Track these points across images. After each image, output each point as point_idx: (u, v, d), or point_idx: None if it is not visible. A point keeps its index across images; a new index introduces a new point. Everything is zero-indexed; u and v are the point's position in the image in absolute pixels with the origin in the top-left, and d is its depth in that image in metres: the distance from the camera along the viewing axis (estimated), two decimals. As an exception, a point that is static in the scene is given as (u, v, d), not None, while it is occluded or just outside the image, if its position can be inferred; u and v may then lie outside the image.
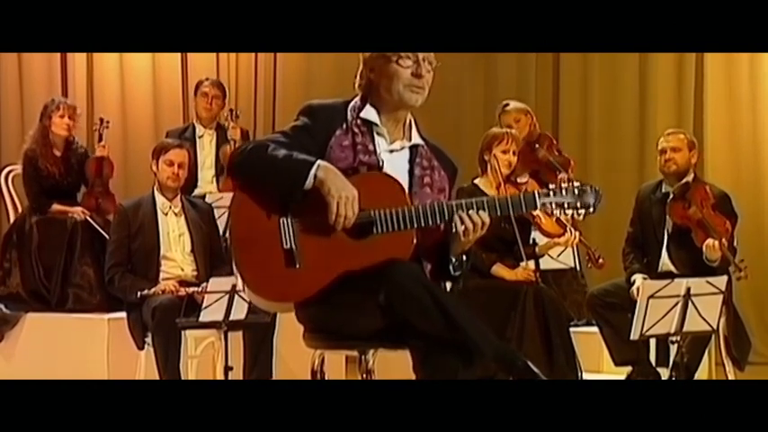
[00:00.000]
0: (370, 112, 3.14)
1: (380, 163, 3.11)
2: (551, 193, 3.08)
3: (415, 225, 2.99)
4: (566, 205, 3.08)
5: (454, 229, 3.00)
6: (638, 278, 5.50)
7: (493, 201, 3.05)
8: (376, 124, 3.13)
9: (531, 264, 5.26)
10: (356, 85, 3.19)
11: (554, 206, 3.09)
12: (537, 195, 3.07)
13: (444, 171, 3.21)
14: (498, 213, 3.05)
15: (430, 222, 3.00)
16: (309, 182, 2.94)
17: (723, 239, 5.31)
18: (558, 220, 5.35)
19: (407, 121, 3.19)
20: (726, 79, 7.78)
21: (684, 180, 5.62)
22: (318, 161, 2.97)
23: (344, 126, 3.10)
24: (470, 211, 2.99)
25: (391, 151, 3.15)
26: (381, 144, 3.14)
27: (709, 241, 5.32)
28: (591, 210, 3.10)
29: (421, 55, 3.09)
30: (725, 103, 7.78)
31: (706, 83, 7.78)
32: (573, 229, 5.33)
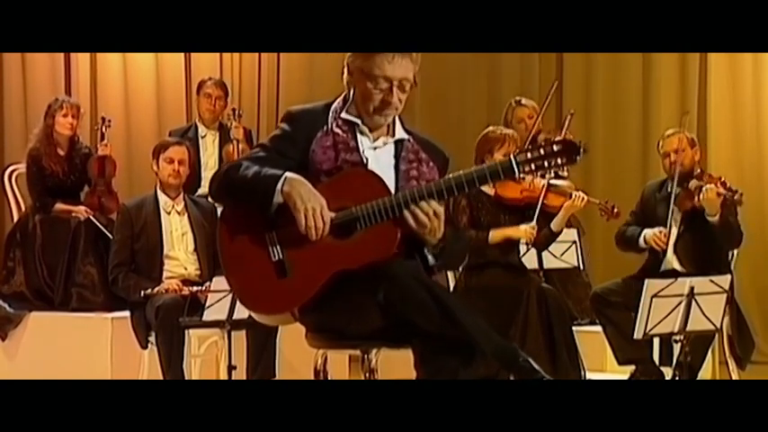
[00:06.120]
0: (350, 112, 3.15)
1: (364, 160, 3.13)
2: (528, 153, 2.99)
3: (397, 215, 2.98)
4: (546, 163, 2.98)
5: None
6: (646, 231, 5.51)
7: (470, 175, 3.00)
8: (357, 123, 3.15)
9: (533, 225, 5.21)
10: (345, 81, 3.19)
11: (534, 167, 2.99)
12: (514, 159, 2.99)
13: (434, 162, 3.20)
14: (478, 185, 3.03)
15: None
16: (278, 197, 2.97)
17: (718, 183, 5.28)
18: (556, 189, 5.30)
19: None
20: (729, 79, 7.76)
21: (692, 179, 5.59)
22: (285, 174, 2.98)
23: (325, 128, 3.12)
24: (421, 203, 2.96)
25: (375, 148, 3.16)
26: (364, 142, 3.16)
27: (707, 186, 5.29)
28: (575, 161, 2.97)
29: (397, 81, 3.05)
30: (728, 102, 7.77)
31: (709, 82, 7.76)
32: (576, 192, 5.29)
